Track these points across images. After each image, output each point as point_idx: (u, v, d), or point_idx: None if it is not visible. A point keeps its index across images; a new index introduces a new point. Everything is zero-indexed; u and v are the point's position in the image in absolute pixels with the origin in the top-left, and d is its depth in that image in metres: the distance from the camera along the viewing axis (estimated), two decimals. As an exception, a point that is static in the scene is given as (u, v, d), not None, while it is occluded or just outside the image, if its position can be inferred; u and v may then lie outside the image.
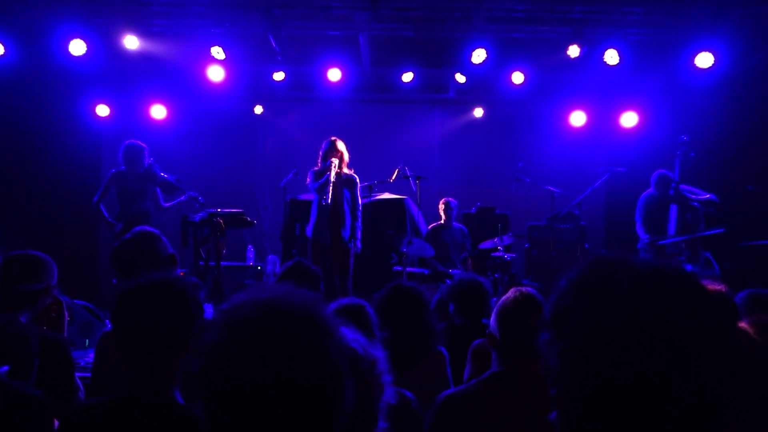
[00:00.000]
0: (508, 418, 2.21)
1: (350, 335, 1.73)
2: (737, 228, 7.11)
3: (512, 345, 2.31)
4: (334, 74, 8.97)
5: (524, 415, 2.19)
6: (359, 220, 6.87)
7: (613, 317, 0.90)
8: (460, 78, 9.17)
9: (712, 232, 6.83)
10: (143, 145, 7.10)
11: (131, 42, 7.89)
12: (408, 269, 7.29)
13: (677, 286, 0.92)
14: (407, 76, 9.19)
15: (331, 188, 6.41)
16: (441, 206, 8.29)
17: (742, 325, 1.64)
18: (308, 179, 6.79)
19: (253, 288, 1.25)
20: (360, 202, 6.95)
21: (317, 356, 1.13)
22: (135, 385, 1.98)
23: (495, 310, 2.41)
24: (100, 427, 1.92)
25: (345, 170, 6.80)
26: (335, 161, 6.51)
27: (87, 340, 5.79)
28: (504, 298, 2.41)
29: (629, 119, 9.50)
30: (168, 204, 7.20)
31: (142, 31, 8.01)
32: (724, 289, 2.09)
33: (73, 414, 2.02)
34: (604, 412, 0.90)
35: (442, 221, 8.27)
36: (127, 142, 7.13)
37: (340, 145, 6.79)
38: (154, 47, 8.27)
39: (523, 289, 2.45)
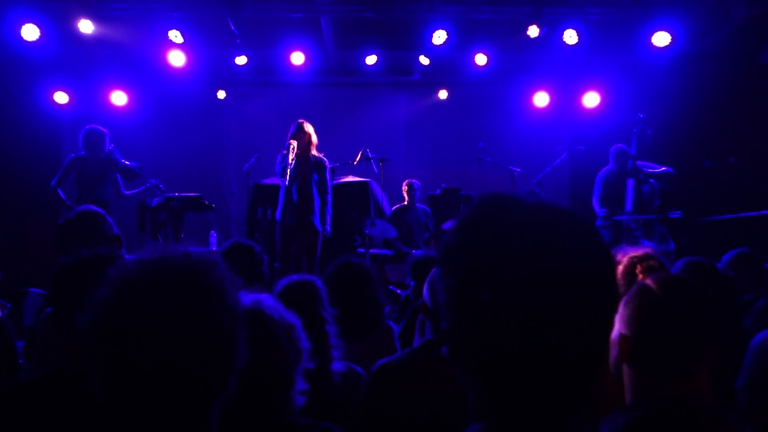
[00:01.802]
0: (441, 385, 2.24)
1: (267, 302, 1.77)
2: (693, 203, 7.23)
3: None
4: (297, 58, 8.92)
5: (456, 382, 2.22)
6: (329, 203, 6.84)
7: (491, 253, 0.92)
8: (424, 60, 9.18)
9: (671, 215, 6.94)
10: (104, 130, 7.00)
11: (86, 26, 7.77)
12: (371, 251, 7.32)
13: (555, 223, 0.94)
14: (371, 59, 9.17)
15: (290, 170, 6.38)
16: (404, 188, 8.33)
17: (647, 282, 1.69)
18: (276, 162, 6.76)
19: (148, 250, 1.26)
20: (329, 185, 6.92)
21: (200, 317, 1.15)
22: (72, 358, 1.97)
23: (427, 280, 2.43)
24: (36, 402, 1.91)
25: (314, 153, 6.75)
26: (294, 143, 6.48)
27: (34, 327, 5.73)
28: (436, 267, 2.42)
29: (591, 99, 9.60)
30: (129, 192, 7.13)
31: (99, 16, 7.89)
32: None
33: (7, 389, 2.01)
34: (483, 346, 0.92)
35: (406, 202, 8.31)
36: (87, 126, 7.02)
37: (307, 128, 6.73)
38: (112, 32, 8.15)
39: None
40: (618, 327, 1.71)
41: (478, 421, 0.99)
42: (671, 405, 1.60)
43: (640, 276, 2.52)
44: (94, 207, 3.19)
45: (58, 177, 6.90)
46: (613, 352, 1.71)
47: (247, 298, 1.69)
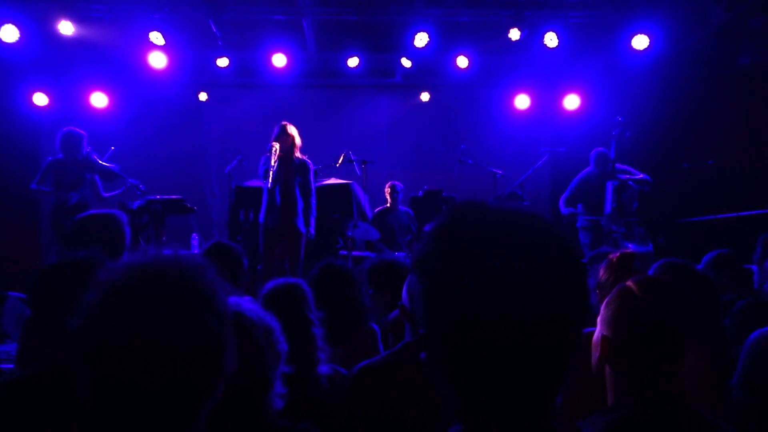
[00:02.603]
0: (420, 386, 2.25)
1: (246, 305, 1.78)
2: (673, 205, 7.31)
3: None
4: (279, 60, 8.91)
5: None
6: (313, 206, 6.82)
7: (462, 259, 0.94)
8: (406, 62, 9.21)
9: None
10: (82, 132, 6.94)
11: (66, 28, 7.71)
12: (354, 253, 7.31)
13: (522, 227, 0.97)
14: (353, 61, 9.19)
15: (272, 172, 6.36)
16: (387, 190, 8.34)
17: (628, 283, 1.71)
18: (260, 165, 6.73)
19: (137, 253, 1.27)
20: (313, 187, 6.90)
21: (189, 320, 1.15)
22: (52, 360, 1.96)
23: (405, 282, 2.43)
24: (14, 404, 1.90)
25: (297, 155, 6.73)
26: (276, 145, 6.46)
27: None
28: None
29: (572, 102, 9.69)
30: (108, 194, 7.08)
31: (79, 17, 7.83)
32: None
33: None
34: (457, 349, 0.94)
35: (388, 205, 8.33)
36: (64, 129, 6.96)
37: (291, 130, 6.70)
38: (93, 33, 8.09)
39: None
40: (599, 328, 1.73)
41: (456, 423, 1.00)
42: (653, 405, 1.62)
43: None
44: (115, 211, 3.18)
45: (37, 180, 6.84)
46: (595, 354, 1.73)
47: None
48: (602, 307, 1.73)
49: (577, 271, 0.97)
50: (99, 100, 9.45)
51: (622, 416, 1.62)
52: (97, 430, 1.15)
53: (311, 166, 6.83)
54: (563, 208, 7.46)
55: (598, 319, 1.73)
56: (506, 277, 0.91)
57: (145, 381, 1.11)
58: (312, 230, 6.78)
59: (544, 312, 0.92)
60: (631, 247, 6.52)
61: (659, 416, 1.62)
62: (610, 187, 7.12)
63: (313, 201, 6.80)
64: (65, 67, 9.03)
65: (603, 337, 1.69)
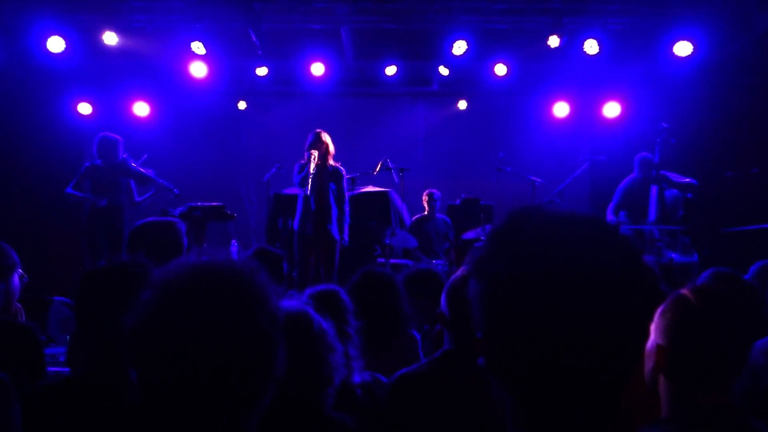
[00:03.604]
0: (459, 395, 2.23)
1: (311, 311, 1.83)
2: (717, 214, 7.16)
3: (461, 323, 2.32)
4: (317, 68, 8.96)
5: (475, 392, 2.21)
6: (346, 213, 6.85)
7: (522, 259, 0.92)
8: (444, 71, 9.20)
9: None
10: (117, 137, 7.06)
11: (110, 38, 7.87)
12: (392, 261, 7.31)
13: (584, 230, 0.95)
14: (390, 70, 9.21)
15: (311, 180, 6.40)
16: (424, 198, 8.34)
17: (684, 292, 1.68)
18: (294, 172, 6.79)
19: (191, 255, 1.28)
20: (346, 194, 6.93)
21: (243, 322, 1.16)
22: (95, 362, 1.99)
23: (445, 289, 2.41)
24: (58, 405, 1.93)
25: (331, 162, 6.78)
26: (315, 153, 6.51)
27: (69, 336, 5.77)
28: (453, 276, 2.42)
29: (612, 109, 9.56)
30: (141, 198, 7.18)
31: (122, 27, 7.98)
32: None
33: (31, 393, 2.03)
34: (517, 354, 0.93)
35: (426, 213, 8.32)
36: (101, 134, 7.10)
37: (325, 137, 6.76)
38: (135, 43, 8.25)
39: None
40: (654, 337, 1.69)
41: (514, 430, 0.98)
42: (708, 416, 1.58)
43: None
44: (176, 219, 3.21)
45: (73, 183, 6.94)
46: (649, 363, 1.70)
47: (289, 303, 1.74)
48: (657, 316, 1.69)
49: (644, 278, 0.95)
50: (141, 109, 9.61)
51: (676, 428, 1.59)
52: (144, 429, 1.16)
53: (345, 174, 6.87)
54: (610, 216, 7.35)
55: (653, 328, 1.70)
56: (573, 281, 0.89)
57: (196, 380, 1.12)
58: (346, 237, 6.81)
59: (611, 318, 0.90)
60: (674, 257, 6.41)
61: (714, 428, 1.58)
62: (654, 192, 7.01)
63: (347, 208, 6.83)
64: (109, 76, 9.21)
65: (658, 347, 1.65)
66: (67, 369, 3.26)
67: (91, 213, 6.83)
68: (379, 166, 8.09)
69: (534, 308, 0.90)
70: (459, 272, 2.40)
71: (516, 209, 1.01)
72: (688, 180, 7.16)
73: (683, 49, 7.90)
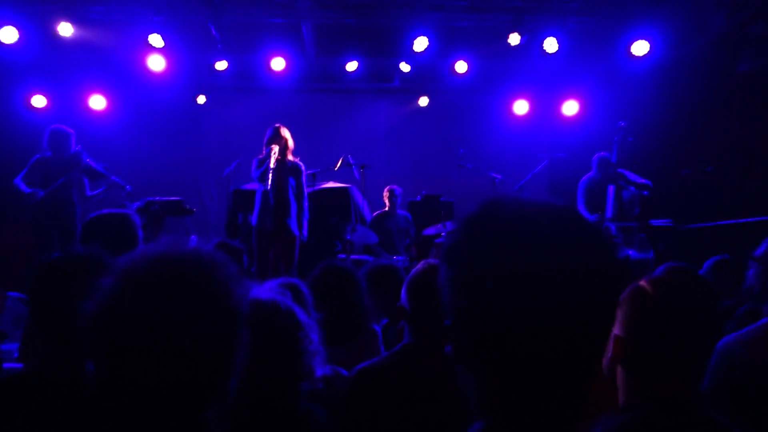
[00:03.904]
0: (420, 387, 2.24)
1: (284, 301, 1.78)
2: (672, 211, 7.30)
3: (421, 316, 2.33)
4: (278, 63, 8.89)
5: (436, 384, 2.22)
6: (305, 208, 6.82)
7: (493, 246, 0.92)
8: (405, 67, 9.21)
9: (660, 223, 7.02)
10: (69, 130, 6.90)
11: (66, 29, 7.69)
12: (352, 257, 7.30)
13: (555, 219, 0.95)
14: (352, 66, 9.19)
15: (271, 175, 6.35)
16: (385, 194, 8.33)
17: (641, 283, 1.70)
18: (252, 167, 6.73)
19: (154, 243, 1.26)
20: (305, 190, 6.90)
21: (204, 314, 1.14)
22: (50, 355, 1.94)
23: (405, 283, 2.42)
24: (14, 399, 1.88)
25: (290, 158, 6.73)
26: (275, 148, 6.46)
27: (22, 332, 5.63)
28: (413, 270, 2.43)
29: (570, 107, 9.71)
30: (92, 193, 7.04)
31: (78, 18, 7.81)
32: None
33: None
34: (485, 340, 0.92)
35: (387, 209, 8.32)
36: (52, 126, 6.93)
37: (284, 132, 6.71)
38: (92, 35, 8.07)
39: (432, 260, 2.47)
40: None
41: (479, 419, 0.98)
42: (664, 406, 1.60)
43: None
44: (130, 212, 3.15)
45: (22, 175, 6.77)
46: (607, 354, 1.72)
47: (262, 293, 1.71)
48: (614, 307, 1.71)
49: (614, 265, 0.95)
50: (98, 102, 9.43)
51: (633, 417, 1.61)
52: (100, 421, 1.13)
53: (304, 169, 6.83)
54: (588, 216, 7.46)
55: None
56: (543, 268, 0.89)
57: (152, 369, 1.10)
58: (305, 233, 6.78)
59: (581, 305, 0.90)
60: (631, 254, 6.53)
61: (670, 418, 1.60)
62: (611, 191, 7.13)
63: (306, 204, 6.80)
64: (64, 69, 9.00)
65: (615, 337, 1.67)
66: (20, 365, 3.18)
67: (36, 206, 6.65)
68: (340, 162, 8.08)
69: (504, 295, 0.90)
70: (419, 266, 2.41)
71: (487, 199, 1.01)
72: (643, 180, 7.31)
73: (640, 48, 8.04)
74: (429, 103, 10.25)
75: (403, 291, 2.44)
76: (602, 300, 0.93)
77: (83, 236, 2.94)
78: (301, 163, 6.81)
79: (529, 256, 0.90)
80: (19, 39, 7.60)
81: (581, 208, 7.51)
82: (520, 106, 9.98)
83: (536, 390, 0.92)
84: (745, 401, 2.24)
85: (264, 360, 1.30)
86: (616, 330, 1.68)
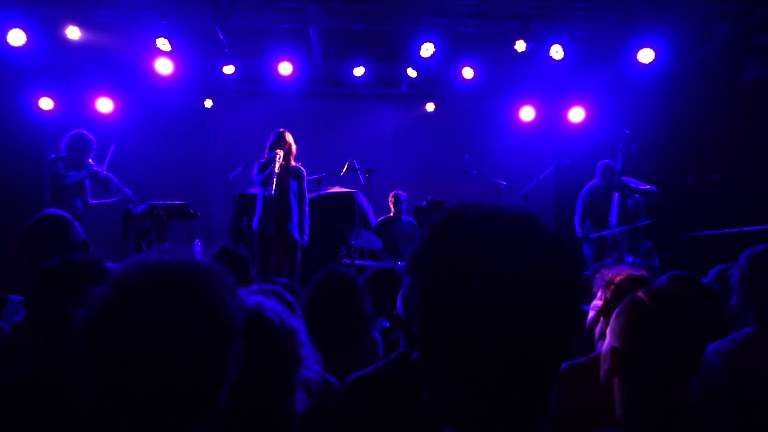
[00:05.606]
0: (415, 397, 2.23)
1: (269, 305, 1.72)
2: (677, 219, 7.28)
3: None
4: (285, 68, 8.91)
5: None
6: (306, 214, 6.83)
7: (455, 252, 0.94)
8: (412, 73, 9.22)
9: (641, 224, 7.01)
10: (92, 138, 6.97)
11: (74, 33, 7.71)
12: (356, 262, 7.30)
13: (516, 226, 0.97)
14: (359, 71, 9.20)
15: (275, 180, 6.36)
16: (390, 199, 8.34)
17: (639, 294, 1.69)
18: (254, 171, 6.74)
19: (148, 252, 1.26)
20: (307, 195, 6.91)
21: (195, 326, 1.14)
22: (46, 362, 1.94)
23: (400, 292, 2.41)
24: (9, 407, 1.88)
25: (292, 162, 6.75)
26: (280, 153, 6.47)
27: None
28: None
29: (576, 114, 9.68)
30: (96, 201, 7.06)
31: (86, 22, 7.83)
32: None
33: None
34: (450, 347, 0.94)
35: (392, 214, 8.32)
36: (76, 130, 6.97)
37: (288, 137, 6.73)
38: (100, 38, 8.10)
39: None
40: (609, 339, 1.71)
41: (445, 428, 1.00)
42: (662, 418, 1.60)
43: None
44: (59, 211, 3.14)
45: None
46: (604, 365, 1.71)
47: (250, 300, 1.67)
48: (612, 319, 1.71)
49: (573, 274, 0.96)
50: (104, 105, 9.47)
51: (631, 429, 1.60)
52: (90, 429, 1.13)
53: (306, 174, 6.85)
54: (578, 227, 7.48)
55: (608, 331, 1.71)
56: (504, 274, 0.90)
57: (140, 379, 1.10)
58: (306, 238, 6.78)
59: (540, 310, 0.91)
60: (633, 261, 6.50)
61: (668, 429, 1.60)
62: (616, 199, 7.12)
63: (307, 209, 6.80)
64: (71, 71, 9.03)
65: (612, 349, 1.67)
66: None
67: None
68: (345, 167, 8.07)
69: (466, 300, 0.91)
70: None
71: (452, 206, 1.03)
72: (648, 187, 7.29)
73: (646, 56, 8.02)
74: (435, 109, 10.26)
75: (398, 299, 2.43)
76: (561, 305, 0.94)
77: (23, 244, 2.95)
78: (303, 168, 6.82)
79: (487, 262, 0.91)
80: (27, 42, 7.63)
81: (579, 216, 7.51)
82: (526, 113, 9.97)
83: (499, 396, 0.93)
84: (725, 410, 2.23)
85: (249, 367, 1.27)
86: (614, 341, 1.68)
